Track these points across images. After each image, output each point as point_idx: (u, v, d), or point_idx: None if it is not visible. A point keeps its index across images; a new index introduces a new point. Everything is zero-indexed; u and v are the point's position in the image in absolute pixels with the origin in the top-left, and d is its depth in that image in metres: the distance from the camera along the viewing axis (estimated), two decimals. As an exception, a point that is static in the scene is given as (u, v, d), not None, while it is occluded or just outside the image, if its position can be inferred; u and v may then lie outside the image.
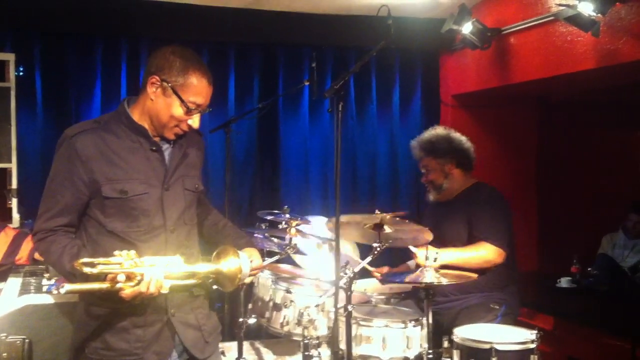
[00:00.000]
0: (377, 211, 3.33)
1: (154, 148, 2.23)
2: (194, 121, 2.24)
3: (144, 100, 2.23)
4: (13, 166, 3.80)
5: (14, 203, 3.77)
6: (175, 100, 2.18)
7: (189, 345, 2.27)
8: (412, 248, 3.32)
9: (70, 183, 2.14)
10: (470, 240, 3.44)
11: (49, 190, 2.19)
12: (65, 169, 2.16)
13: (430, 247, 3.19)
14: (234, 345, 3.36)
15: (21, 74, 4.10)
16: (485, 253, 3.38)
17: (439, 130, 3.74)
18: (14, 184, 3.79)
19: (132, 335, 2.18)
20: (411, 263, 3.79)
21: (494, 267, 3.38)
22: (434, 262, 3.17)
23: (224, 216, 2.64)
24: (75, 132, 2.18)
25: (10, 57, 3.91)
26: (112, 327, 2.18)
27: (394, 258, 3.88)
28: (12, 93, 3.83)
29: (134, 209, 2.16)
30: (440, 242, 3.53)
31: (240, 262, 2.17)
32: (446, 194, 3.64)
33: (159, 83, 2.18)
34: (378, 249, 3.05)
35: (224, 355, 3.17)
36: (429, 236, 3.19)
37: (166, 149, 2.28)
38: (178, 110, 2.19)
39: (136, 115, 2.24)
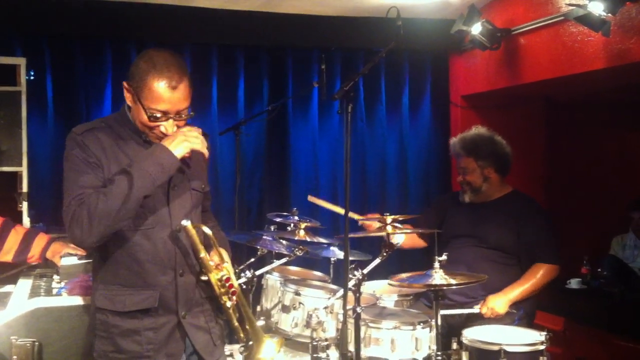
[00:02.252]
0: (386, 214, 3.34)
1: None
2: (165, 128, 2.16)
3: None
4: (24, 170, 3.82)
5: (24, 207, 3.79)
6: (139, 106, 2.14)
7: (199, 348, 2.27)
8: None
9: (86, 164, 2.13)
10: (522, 253, 3.50)
11: (67, 180, 2.15)
12: (78, 158, 2.14)
13: (495, 296, 3.32)
14: (232, 348, 3.36)
15: (32, 78, 4.12)
16: (545, 276, 3.47)
17: (482, 131, 3.73)
18: (25, 188, 3.81)
19: (144, 338, 2.18)
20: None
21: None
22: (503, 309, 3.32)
23: (216, 219, 2.62)
24: (82, 130, 2.19)
25: (21, 62, 3.93)
26: (123, 330, 2.18)
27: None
28: (23, 97, 3.85)
29: (141, 206, 2.15)
30: (483, 242, 3.54)
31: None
32: (482, 197, 3.64)
33: (127, 88, 2.18)
34: (384, 253, 3.06)
35: (233, 358, 3.17)
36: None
37: None
38: (144, 117, 2.14)
39: (132, 118, 2.24)
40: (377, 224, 3.42)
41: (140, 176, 2.07)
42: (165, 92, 2.10)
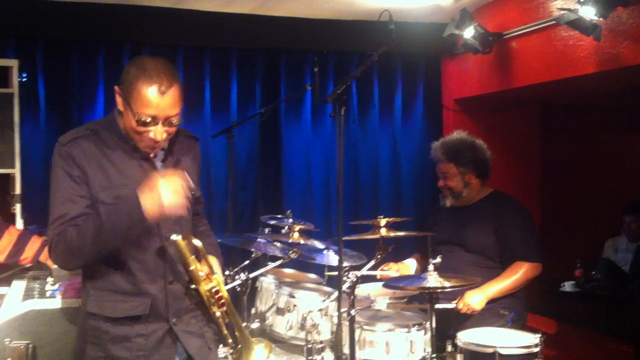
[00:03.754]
0: (380, 216, 3.36)
1: (143, 157, 2.21)
2: (154, 134, 2.12)
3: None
4: (17, 172, 3.80)
5: (17, 209, 3.77)
6: (129, 111, 2.11)
7: (193, 353, 2.26)
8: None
9: (70, 180, 2.12)
10: (503, 253, 3.49)
11: (52, 197, 2.16)
12: (63, 172, 2.14)
13: (472, 292, 3.31)
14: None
15: (24, 80, 4.10)
16: (526, 274, 3.45)
17: (463, 137, 3.73)
18: (18, 190, 3.80)
19: (134, 344, 2.17)
20: (410, 263, 3.81)
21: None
22: (479, 305, 3.30)
23: (207, 221, 2.60)
24: (68, 139, 2.17)
25: (13, 63, 3.92)
26: (114, 336, 2.17)
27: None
28: (16, 99, 3.84)
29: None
30: (463, 246, 3.56)
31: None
32: (463, 201, 3.66)
33: (118, 93, 2.16)
34: (379, 256, 3.07)
35: (227, 361, 3.17)
36: None
37: (158, 155, 2.26)
38: (133, 122, 2.11)
39: (122, 124, 2.21)
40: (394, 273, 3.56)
41: (108, 228, 2.04)
42: (154, 96, 2.07)
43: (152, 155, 2.22)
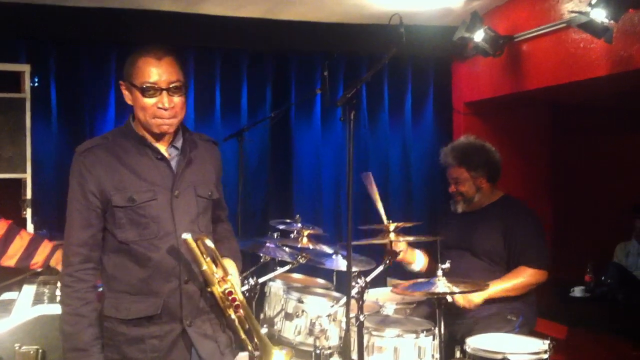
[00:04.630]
0: (389, 221, 3.35)
1: (159, 157, 2.26)
2: (162, 103, 2.18)
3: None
4: (28, 176, 3.83)
5: (28, 213, 3.80)
6: (135, 92, 2.19)
7: (205, 356, 2.26)
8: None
9: (83, 196, 2.20)
10: (510, 259, 3.46)
11: (69, 213, 2.25)
12: (77, 183, 2.22)
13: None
14: (244, 355, 3.36)
15: (36, 84, 4.13)
16: (528, 279, 3.41)
17: (473, 140, 3.69)
18: (29, 194, 3.82)
19: (148, 345, 2.19)
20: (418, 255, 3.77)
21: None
22: (478, 299, 3.26)
23: (231, 228, 2.61)
24: (84, 148, 2.25)
25: (25, 68, 3.95)
26: (129, 338, 2.19)
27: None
28: (28, 104, 3.86)
29: (144, 216, 2.18)
30: (471, 251, 3.53)
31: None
32: (473, 205, 3.63)
33: (124, 86, 2.26)
34: (387, 261, 3.06)
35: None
36: None
37: (174, 157, 2.29)
38: (141, 99, 2.19)
39: (138, 127, 2.27)
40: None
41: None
42: (152, 62, 2.17)
43: (165, 128, 2.23)
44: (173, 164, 2.28)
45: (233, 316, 2.26)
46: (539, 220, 3.60)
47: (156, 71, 2.17)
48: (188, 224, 2.23)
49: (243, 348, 2.34)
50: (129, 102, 2.26)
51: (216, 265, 2.25)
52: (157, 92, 2.17)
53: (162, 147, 2.27)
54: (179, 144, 2.31)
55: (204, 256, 2.21)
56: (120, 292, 2.22)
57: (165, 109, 2.19)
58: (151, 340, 2.19)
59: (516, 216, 3.51)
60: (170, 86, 2.19)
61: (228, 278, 2.25)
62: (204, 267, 2.21)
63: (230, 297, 2.24)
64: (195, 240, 2.19)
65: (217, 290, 2.24)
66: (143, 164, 2.23)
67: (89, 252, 2.21)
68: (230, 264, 2.32)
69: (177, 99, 2.21)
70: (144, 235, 2.19)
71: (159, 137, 2.26)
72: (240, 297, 2.26)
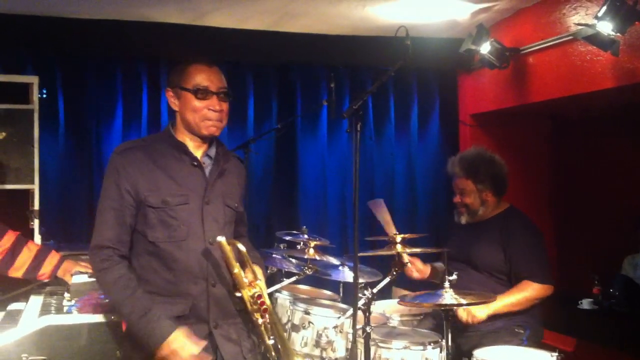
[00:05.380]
0: (395, 233, 3.34)
1: (195, 163, 2.36)
2: (213, 105, 2.33)
3: (176, 117, 2.41)
4: (35, 187, 3.83)
5: (35, 224, 3.80)
6: (186, 95, 2.33)
7: (227, 358, 2.30)
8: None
9: (118, 194, 2.29)
10: (511, 273, 3.43)
11: (101, 212, 2.31)
12: (113, 181, 2.30)
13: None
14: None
15: (44, 96, 4.15)
16: (532, 293, 3.38)
17: (481, 152, 3.66)
18: (36, 205, 3.83)
19: None
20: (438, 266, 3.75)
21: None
22: (482, 314, 3.23)
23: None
24: (122, 148, 2.36)
25: (34, 80, 3.96)
26: None
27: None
28: (36, 115, 3.87)
29: (175, 218, 2.28)
30: (471, 264, 3.51)
31: None
32: (477, 218, 3.60)
33: (172, 92, 2.39)
34: (394, 272, 3.05)
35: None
36: None
37: (207, 165, 2.40)
38: (192, 102, 2.32)
39: (178, 134, 2.40)
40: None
41: (129, 321, 2.25)
42: (204, 69, 2.35)
43: (213, 130, 2.35)
44: (206, 172, 2.38)
45: (260, 321, 2.31)
46: (540, 233, 3.56)
47: (207, 76, 2.34)
48: (216, 230, 2.33)
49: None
50: (175, 108, 2.39)
51: (245, 270, 2.32)
52: (209, 95, 2.33)
53: (197, 155, 2.38)
54: (212, 153, 2.42)
55: (235, 260, 2.27)
56: (150, 293, 2.28)
57: (216, 111, 2.33)
58: None
59: (515, 229, 3.47)
60: (220, 91, 2.35)
61: (257, 282, 2.31)
62: (236, 270, 2.28)
63: (259, 301, 2.30)
64: (228, 244, 2.27)
65: (247, 294, 2.30)
66: (179, 168, 2.34)
67: (121, 247, 2.29)
68: (259, 270, 2.38)
69: (225, 104, 2.37)
70: (173, 237, 2.28)
71: (197, 144, 2.38)
72: (268, 302, 2.31)
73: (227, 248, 2.26)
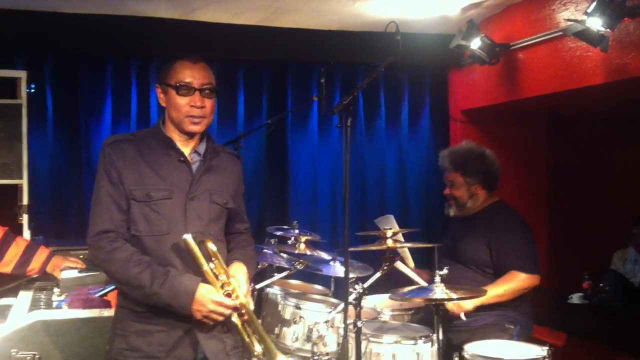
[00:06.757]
0: (386, 228, 3.34)
1: (181, 159, 2.36)
2: (195, 101, 2.32)
3: (165, 113, 2.41)
4: (24, 182, 3.82)
5: (24, 219, 3.79)
6: (171, 91, 2.34)
7: (210, 355, 2.30)
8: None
9: (111, 182, 2.29)
10: (497, 267, 3.44)
11: (97, 200, 2.31)
12: (105, 170, 2.31)
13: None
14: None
15: (32, 91, 4.13)
16: (520, 283, 3.39)
17: (472, 147, 3.70)
18: (25, 200, 3.81)
19: (155, 339, 2.25)
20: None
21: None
22: (469, 305, 3.23)
23: (251, 240, 2.65)
24: (111, 140, 2.36)
25: (22, 75, 3.95)
26: (138, 329, 2.26)
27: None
28: (24, 110, 3.86)
29: (157, 212, 2.28)
30: (457, 258, 3.52)
31: None
32: (466, 211, 3.63)
33: (160, 89, 2.40)
34: (385, 267, 3.06)
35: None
36: None
37: (195, 162, 2.39)
38: (176, 99, 2.33)
39: (166, 129, 2.40)
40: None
41: (150, 293, 2.21)
42: (187, 65, 2.34)
43: (196, 127, 2.35)
44: (193, 168, 2.37)
45: (234, 318, 2.29)
46: (526, 225, 3.57)
47: (190, 73, 2.34)
48: (199, 227, 2.32)
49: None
50: (163, 104, 2.40)
51: (216, 267, 2.29)
52: (191, 91, 2.33)
53: (185, 151, 2.38)
54: (201, 150, 2.41)
55: (207, 258, 2.26)
56: None
57: (197, 107, 2.33)
58: (158, 333, 2.26)
59: (500, 223, 3.49)
60: (203, 87, 2.34)
61: (230, 281, 2.29)
62: (205, 267, 2.26)
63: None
64: (198, 243, 2.25)
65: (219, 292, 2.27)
66: (164, 163, 2.33)
67: (123, 231, 2.28)
68: (238, 268, 2.36)
69: (208, 101, 2.36)
70: (154, 231, 2.28)
71: (185, 140, 2.38)
72: (243, 300, 2.28)
73: (193, 245, 2.24)
